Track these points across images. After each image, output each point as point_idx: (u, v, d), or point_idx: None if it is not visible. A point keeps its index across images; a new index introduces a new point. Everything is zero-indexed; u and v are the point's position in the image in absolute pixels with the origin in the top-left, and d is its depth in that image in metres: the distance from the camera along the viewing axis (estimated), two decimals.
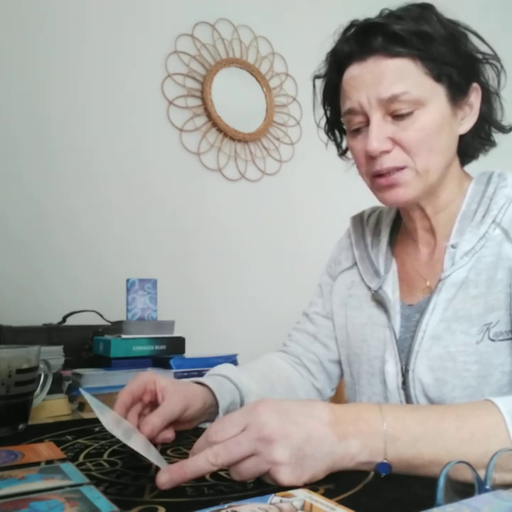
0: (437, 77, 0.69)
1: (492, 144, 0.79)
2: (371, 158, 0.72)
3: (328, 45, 0.76)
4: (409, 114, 0.69)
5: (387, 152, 0.70)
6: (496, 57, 0.74)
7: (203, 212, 2.02)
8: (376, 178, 0.73)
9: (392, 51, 0.68)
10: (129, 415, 0.63)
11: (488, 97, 0.75)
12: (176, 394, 0.64)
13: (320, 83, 0.81)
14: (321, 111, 0.83)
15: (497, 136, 0.79)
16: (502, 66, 0.75)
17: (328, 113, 0.83)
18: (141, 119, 1.92)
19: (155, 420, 0.60)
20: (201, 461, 0.45)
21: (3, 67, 1.67)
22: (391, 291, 0.80)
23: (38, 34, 1.74)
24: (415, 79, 0.68)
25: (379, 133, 0.69)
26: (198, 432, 0.67)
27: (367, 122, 0.71)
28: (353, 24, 0.73)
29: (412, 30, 0.68)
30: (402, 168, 0.71)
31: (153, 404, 0.66)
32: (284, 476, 0.45)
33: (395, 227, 0.88)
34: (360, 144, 0.73)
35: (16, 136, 1.68)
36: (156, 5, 1.98)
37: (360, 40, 0.71)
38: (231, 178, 2.10)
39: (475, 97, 0.73)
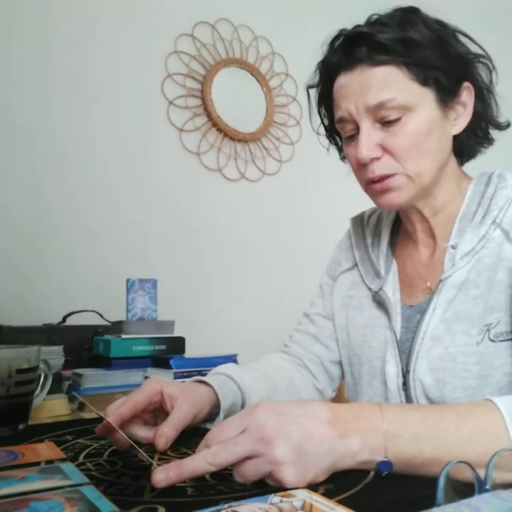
0: (424, 82, 0.70)
1: (490, 141, 0.79)
2: (363, 165, 0.72)
3: (323, 49, 0.77)
4: (397, 119, 0.69)
5: (377, 159, 0.71)
6: (486, 56, 0.74)
7: (203, 213, 2.02)
8: (370, 185, 0.74)
9: (377, 60, 0.69)
10: (134, 427, 0.61)
11: (482, 95, 0.75)
12: (186, 402, 0.63)
13: (314, 92, 0.82)
14: (317, 117, 0.84)
15: (497, 136, 0.79)
16: (493, 66, 0.75)
17: (325, 120, 0.84)
18: (141, 119, 1.92)
19: (168, 432, 0.58)
20: (199, 460, 0.45)
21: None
22: (391, 292, 0.80)
23: (40, 35, 1.74)
24: (401, 85, 0.69)
25: (368, 140, 0.70)
26: (198, 431, 0.67)
27: (358, 129, 0.72)
28: (340, 34, 0.75)
29: (396, 38, 0.68)
30: (392, 175, 0.71)
31: (159, 409, 0.65)
32: (289, 476, 0.44)
33: (395, 228, 0.88)
34: (353, 151, 0.74)
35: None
36: (156, 5, 1.98)
37: (346, 51, 0.72)
38: (231, 178, 2.10)
39: (467, 96, 0.73)
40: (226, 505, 0.39)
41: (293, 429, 0.46)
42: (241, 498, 0.42)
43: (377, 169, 0.71)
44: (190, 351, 1.10)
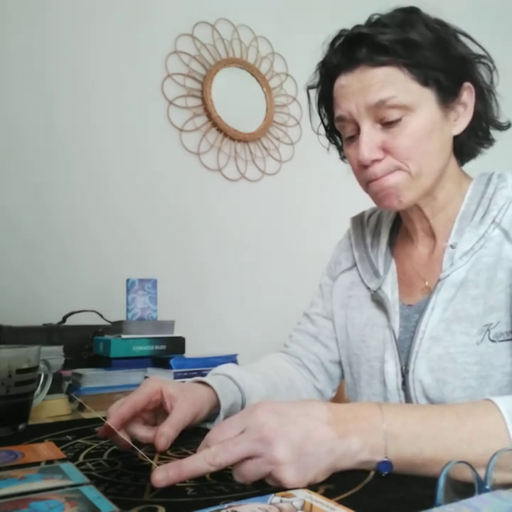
0: (424, 82, 0.69)
1: (490, 141, 0.79)
2: (364, 166, 0.72)
3: (323, 49, 0.77)
4: (398, 120, 0.69)
5: (378, 160, 0.71)
6: (487, 56, 0.74)
7: (203, 213, 2.02)
8: (370, 183, 0.74)
9: (377, 61, 0.69)
10: (134, 427, 0.61)
11: (483, 95, 0.75)
12: (186, 402, 0.63)
13: (314, 92, 0.82)
14: (317, 117, 0.84)
15: (497, 136, 0.79)
16: (494, 66, 0.75)
17: (326, 121, 0.84)
18: (141, 119, 1.92)
19: (169, 432, 0.58)
20: (199, 460, 0.45)
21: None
22: (390, 291, 0.80)
23: (38, 35, 1.74)
24: (402, 85, 0.69)
25: (369, 141, 0.70)
26: (198, 431, 0.67)
27: (358, 130, 0.72)
28: (341, 34, 0.74)
29: (397, 39, 0.68)
30: (394, 171, 0.71)
31: (159, 408, 0.65)
32: (289, 476, 0.44)
33: (395, 227, 0.88)
34: (354, 152, 0.74)
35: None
36: (156, 5, 1.98)
37: (346, 52, 0.72)
38: (231, 178, 2.10)
39: (468, 96, 0.73)
40: (226, 505, 0.39)
41: (293, 429, 0.46)
42: (241, 498, 0.42)
43: (379, 171, 0.71)
44: (190, 351, 1.10)
